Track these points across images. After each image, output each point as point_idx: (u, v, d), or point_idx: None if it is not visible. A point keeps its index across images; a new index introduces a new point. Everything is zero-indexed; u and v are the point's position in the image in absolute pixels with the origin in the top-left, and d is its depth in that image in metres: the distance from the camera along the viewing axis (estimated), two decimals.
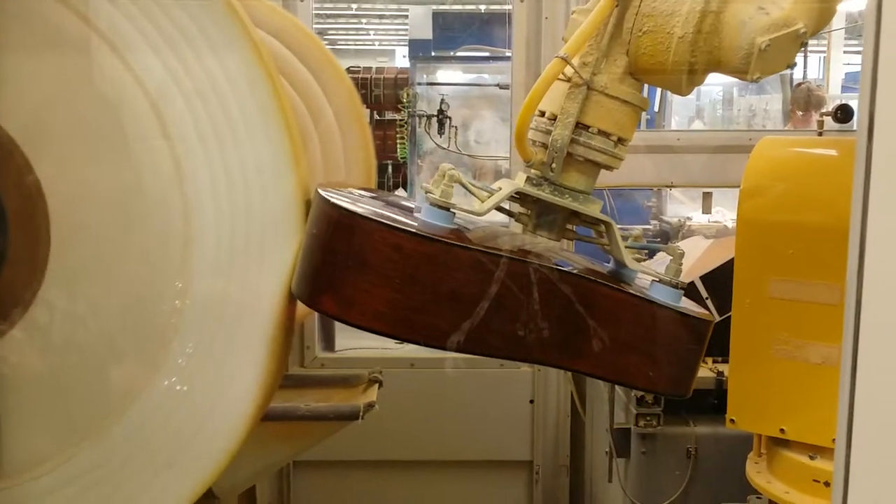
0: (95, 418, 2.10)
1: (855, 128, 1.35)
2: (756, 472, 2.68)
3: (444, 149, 8.01)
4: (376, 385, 3.48)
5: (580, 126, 2.04)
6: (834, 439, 2.35)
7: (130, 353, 2.13)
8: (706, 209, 4.99)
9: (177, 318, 2.07)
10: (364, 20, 19.69)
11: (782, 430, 2.53)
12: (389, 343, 5.42)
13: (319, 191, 2.05)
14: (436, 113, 8.16)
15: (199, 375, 2.09)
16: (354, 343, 5.10)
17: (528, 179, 2.11)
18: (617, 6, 2.00)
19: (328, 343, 5.09)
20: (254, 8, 3.22)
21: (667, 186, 5.18)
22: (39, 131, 2.04)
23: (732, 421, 2.64)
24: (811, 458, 2.49)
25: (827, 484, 2.44)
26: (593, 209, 2.12)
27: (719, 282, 3.38)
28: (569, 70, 2.02)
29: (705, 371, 3.52)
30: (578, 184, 2.09)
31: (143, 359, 2.10)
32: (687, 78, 2.03)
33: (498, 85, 7.66)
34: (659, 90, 10.75)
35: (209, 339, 2.09)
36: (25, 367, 2.11)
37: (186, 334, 2.08)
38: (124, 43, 2.00)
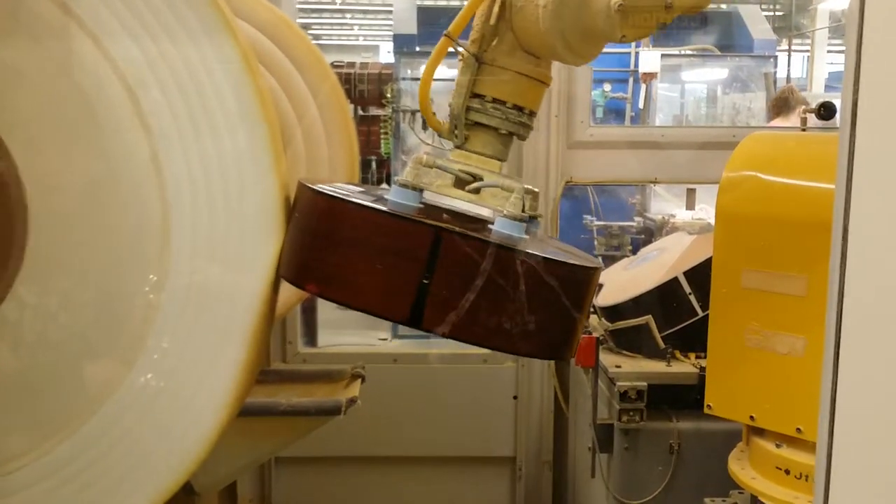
0: (71, 413, 2.08)
1: (838, 125, 1.35)
2: (736, 458, 2.72)
3: (427, 144, 8.01)
4: (359, 380, 3.47)
5: (477, 96, 2.22)
6: (798, 428, 2.41)
7: (106, 347, 2.11)
8: (690, 205, 5.00)
9: (152, 312, 2.05)
10: (348, 15, 19.66)
11: (752, 418, 2.58)
12: (372, 338, 5.42)
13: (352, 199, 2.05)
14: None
15: (175, 370, 2.07)
16: (337, 339, 5.09)
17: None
18: None
19: (310, 338, 5.08)
20: (241, 1, 3.20)
21: (651, 182, 5.19)
22: (14, 120, 2.02)
23: (709, 406, 2.69)
24: (777, 446, 2.56)
25: (787, 472, 2.49)
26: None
27: (702, 277, 3.38)
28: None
29: (688, 367, 3.53)
30: (486, 149, 2.24)
31: (119, 353, 2.08)
32: (566, 47, 2.15)
33: None
34: (643, 87, 10.80)
35: (185, 334, 2.07)
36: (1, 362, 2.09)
37: (162, 329, 2.06)
38: (102, 31, 1.98)
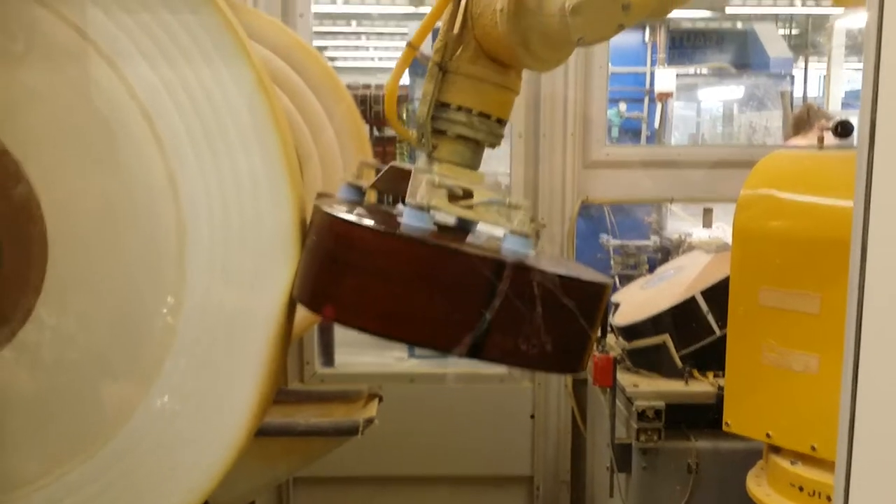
0: (89, 436, 2.09)
1: (855, 143, 1.36)
2: (755, 476, 2.72)
3: None
4: (376, 400, 3.47)
5: (443, 105, 2.22)
6: (812, 446, 2.41)
7: (124, 370, 2.12)
8: (707, 224, 4.99)
9: (170, 334, 2.06)
10: (363, 37, 19.74)
11: (768, 435, 2.58)
12: (389, 358, 5.42)
13: (319, 205, 2.06)
14: None
15: (193, 392, 2.08)
16: (353, 358, 5.09)
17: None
18: None
19: (328, 358, 5.08)
20: (257, 25, 3.23)
21: (667, 201, 5.19)
22: (32, 144, 2.04)
23: (727, 424, 2.68)
24: (792, 463, 2.56)
25: (801, 489, 2.49)
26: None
27: (720, 296, 3.37)
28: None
29: (706, 386, 3.51)
30: (454, 157, 2.25)
31: (137, 376, 2.09)
32: (527, 52, 2.13)
33: None
34: (659, 107, 10.79)
35: (202, 355, 2.07)
36: (19, 384, 2.10)
37: (179, 351, 2.07)
38: (119, 55, 2.00)
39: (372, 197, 2.52)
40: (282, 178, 2.07)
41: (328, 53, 19.82)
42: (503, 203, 2.08)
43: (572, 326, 1.98)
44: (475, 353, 1.91)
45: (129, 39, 2.00)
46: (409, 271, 1.91)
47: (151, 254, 2.06)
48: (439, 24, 2.25)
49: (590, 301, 2.02)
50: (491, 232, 2.21)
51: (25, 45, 2.02)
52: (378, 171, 2.39)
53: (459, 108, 2.22)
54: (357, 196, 2.39)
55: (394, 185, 2.39)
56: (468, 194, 2.12)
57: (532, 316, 1.90)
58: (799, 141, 6.82)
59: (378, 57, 21.92)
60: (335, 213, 2.03)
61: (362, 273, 1.95)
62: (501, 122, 2.28)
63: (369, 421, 3.16)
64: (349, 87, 3.94)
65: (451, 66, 2.21)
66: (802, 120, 6.93)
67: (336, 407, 3.53)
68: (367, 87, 9.18)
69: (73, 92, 2.04)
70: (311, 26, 4.67)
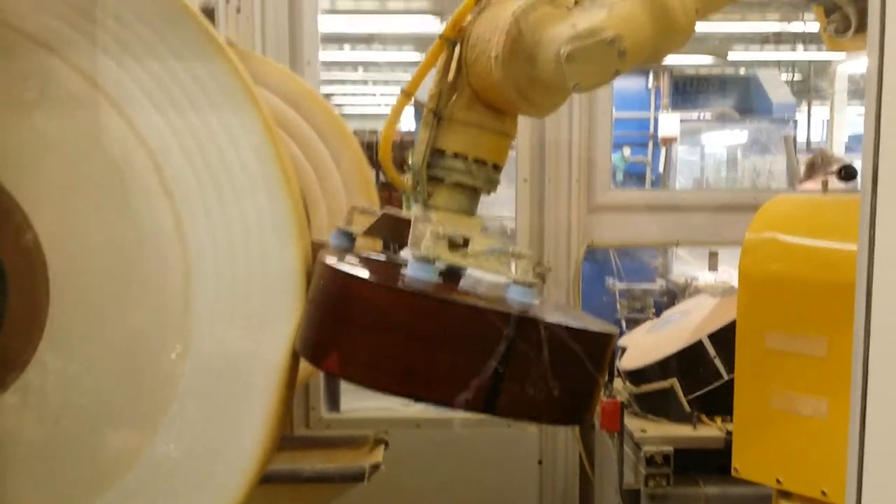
0: (93, 480, 2.08)
1: (859, 187, 1.36)
2: None
3: None
4: (382, 446, 3.46)
5: (439, 152, 2.20)
6: (823, 491, 2.38)
7: (129, 415, 2.11)
8: (712, 267, 4.99)
9: (175, 380, 2.06)
10: (370, 83, 19.93)
11: (778, 481, 2.55)
12: (395, 404, 5.40)
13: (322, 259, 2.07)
14: None
15: (197, 437, 2.08)
16: (359, 403, 5.07)
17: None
18: (456, 45, 2.19)
19: (333, 404, 5.06)
20: (266, 72, 3.26)
21: (672, 245, 5.20)
22: (39, 191, 2.06)
23: (736, 470, 2.66)
24: None
25: None
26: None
27: (727, 340, 3.36)
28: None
29: (714, 430, 3.49)
30: (451, 205, 2.23)
31: (141, 421, 2.09)
32: (521, 98, 2.12)
33: None
34: (663, 151, 10.85)
35: (208, 401, 2.07)
36: (23, 429, 2.10)
37: (185, 396, 2.07)
38: (129, 103, 2.02)
39: (378, 245, 2.51)
40: (288, 224, 2.08)
41: (335, 100, 20.00)
42: (506, 252, 2.06)
43: (580, 377, 1.96)
44: (482, 407, 1.89)
45: (138, 87, 2.02)
46: (415, 325, 1.89)
47: (158, 299, 2.07)
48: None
49: (597, 352, 2.00)
50: (490, 277, 2.20)
51: (36, 93, 2.05)
52: (370, 215, 2.39)
53: (456, 155, 2.20)
54: (348, 242, 2.38)
55: (387, 233, 2.39)
56: (468, 242, 2.10)
57: (539, 365, 1.88)
58: (811, 185, 6.85)
59: (385, 103, 22.11)
60: (338, 266, 2.01)
61: (367, 328, 1.93)
62: (497, 167, 2.26)
63: (375, 467, 3.15)
64: (356, 132, 3.98)
65: (446, 113, 2.20)
66: (815, 165, 6.98)
67: (342, 453, 3.52)
68: (374, 132, 9.25)
69: (83, 139, 2.06)
70: (318, 74, 4.72)
